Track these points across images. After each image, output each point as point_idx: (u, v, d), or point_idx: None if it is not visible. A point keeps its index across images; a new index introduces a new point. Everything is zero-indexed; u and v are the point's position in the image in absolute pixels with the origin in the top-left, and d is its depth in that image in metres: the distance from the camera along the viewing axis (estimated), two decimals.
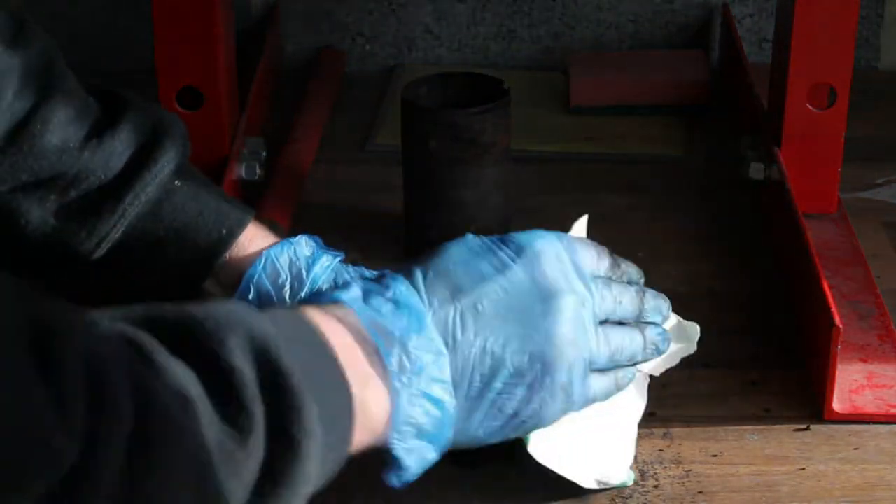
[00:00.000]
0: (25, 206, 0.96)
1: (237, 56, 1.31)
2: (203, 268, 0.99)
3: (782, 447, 1.00)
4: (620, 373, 0.91)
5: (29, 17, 0.99)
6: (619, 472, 0.95)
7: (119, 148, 0.98)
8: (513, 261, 0.87)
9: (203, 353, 0.70)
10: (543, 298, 0.86)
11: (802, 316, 1.10)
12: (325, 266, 0.99)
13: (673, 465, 0.98)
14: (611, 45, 1.58)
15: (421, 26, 1.59)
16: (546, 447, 0.93)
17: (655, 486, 0.96)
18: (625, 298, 0.91)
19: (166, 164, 0.99)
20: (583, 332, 0.87)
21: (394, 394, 0.80)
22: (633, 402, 0.97)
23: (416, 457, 0.82)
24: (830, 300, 1.02)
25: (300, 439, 0.72)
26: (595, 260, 0.91)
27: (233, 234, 1.00)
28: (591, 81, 1.48)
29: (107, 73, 1.09)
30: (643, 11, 1.57)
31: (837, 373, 1.01)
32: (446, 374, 0.83)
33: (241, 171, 1.26)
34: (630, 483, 0.96)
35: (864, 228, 1.25)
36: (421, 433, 0.82)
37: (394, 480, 0.83)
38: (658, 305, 0.94)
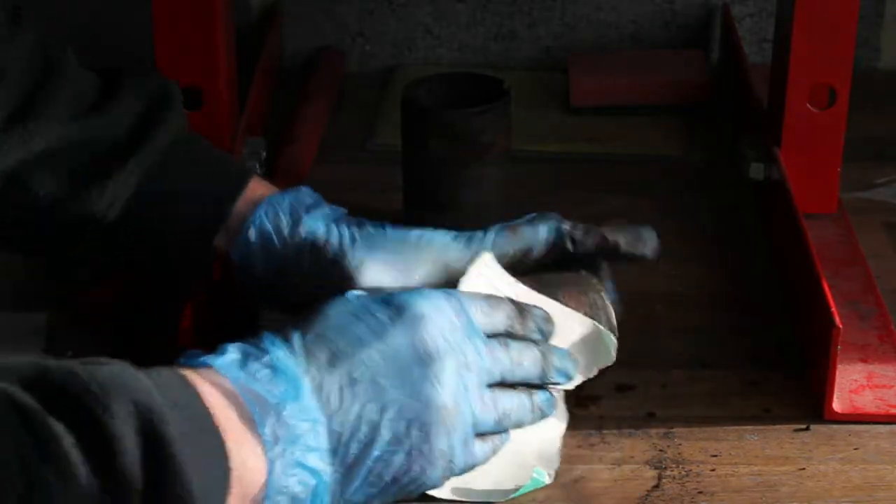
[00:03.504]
0: (37, 176, 0.99)
1: (237, 56, 1.31)
2: (214, 220, 1.01)
3: (782, 447, 1.00)
4: (498, 438, 0.90)
5: (21, 4, 1.02)
6: (523, 474, 0.93)
7: (124, 110, 1.01)
8: (392, 323, 0.85)
9: (86, 417, 0.69)
10: (422, 363, 0.85)
11: (802, 316, 1.10)
12: (325, 214, 1.01)
13: (673, 465, 0.98)
14: (611, 45, 1.58)
15: (421, 26, 1.59)
16: (446, 489, 0.90)
17: (655, 486, 0.96)
18: (525, 359, 0.90)
19: (170, 123, 1.02)
20: (464, 397, 0.86)
21: (270, 460, 0.79)
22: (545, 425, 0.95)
23: None
24: (830, 300, 1.02)
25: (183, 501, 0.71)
26: (490, 317, 0.90)
27: (241, 184, 1.02)
28: (591, 81, 1.48)
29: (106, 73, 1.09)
30: (643, 11, 1.57)
31: (837, 373, 1.01)
32: (322, 442, 0.82)
33: None
34: (543, 482, 0.94)
35: (864, 228, 1.25)
36: (309, 493, 0.81)
37: None
38: (564, 367, 0.93)
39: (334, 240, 1.00)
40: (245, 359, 0.82)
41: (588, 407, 1.03)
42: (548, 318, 0.94)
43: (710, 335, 1.12)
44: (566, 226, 1.03)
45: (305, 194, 1.02)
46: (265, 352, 0.83)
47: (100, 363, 0.73)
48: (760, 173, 1.25)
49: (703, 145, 1.42)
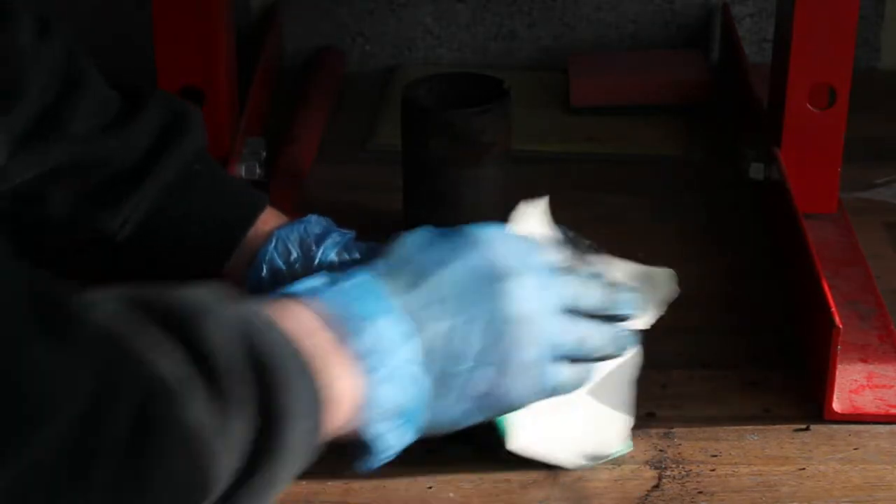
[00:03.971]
0: (52, 192, 1.00)
1: (237, 56, 1.31)
2: (225, 247, 1.02)
3: (782, 447, 1.00)
4: (581, 367, 0.91)
5: (52, 16, 1.02)
6: (612, 442, 0.96)
7: (141, 132, 1.02)
8: (469, 246, 0.88)
9: (188, 332, 0.71)
10: (499, 279, 0.87)
11: (802, 316, 1.10)
12: (336, 242, 1.01)
13: (673, 465, 0.98)
14: (611, 45, 1.58)
15: (421, 26, 1.59)
16: (525, 440, 0.93)
17: (655, 486, 0.96)
18: (591, 288, 0.92)
19: (187, 147, 1.02)
20: (543, 314, 0.88)
21: (367, 374, 0.81)
22: (620, 366, 0.97)
23: (392, 437, 0.83)
24: (830, 300, 1.02)
25: (284, 421, 0.73)
26: (553, 253, 0.92)
27: (254, 213, 1.02)
28: (591, 81, 1.49)
29: (107, 72, 1.09)
30: (643, 11, 1.57)
31: (837, 373, 1.01)
32: (416, 353, 0.84)
33: (241, 171, 1.26)
34: (627, 451, 0.97)
35: (864, 228, 1.25)
36: (396, 413, 0.83)
37: (364, 465, 0.84)
38: (630, 298, 0.94)
39: None
40: (333, 281, 0.84)
41: None
42: (602, 263, 0.97)
43: (710, 335, 1.12)
44: (571, 233, 1.04)
45: (314, 224, 1.02)
46: (352, 276, 0.85)
47: (194, 287, 0.75)
48: (760, 173, 1.25)
49: (703, 145, 1.42)
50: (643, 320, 0.97)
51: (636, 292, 0.95)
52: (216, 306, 0.73)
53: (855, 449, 0.99)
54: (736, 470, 0.97)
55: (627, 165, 1.38)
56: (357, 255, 1.02)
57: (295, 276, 1.01)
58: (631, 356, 0.97)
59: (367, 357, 0.81)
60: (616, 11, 1.58)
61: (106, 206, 1.00)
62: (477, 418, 0.88)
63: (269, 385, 0.73)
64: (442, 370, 0.85)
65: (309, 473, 0.78)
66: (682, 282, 1.17)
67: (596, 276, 0.94)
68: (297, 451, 0.74)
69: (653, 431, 1.01)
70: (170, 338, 0.70)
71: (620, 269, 0.99)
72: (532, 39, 1.59)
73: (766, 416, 1.03)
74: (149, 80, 1.23)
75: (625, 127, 1.45)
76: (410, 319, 0.84)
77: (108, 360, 0.66)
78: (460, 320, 0.86)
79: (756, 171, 1.25)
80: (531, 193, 1.30)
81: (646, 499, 0.95)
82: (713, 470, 0.97)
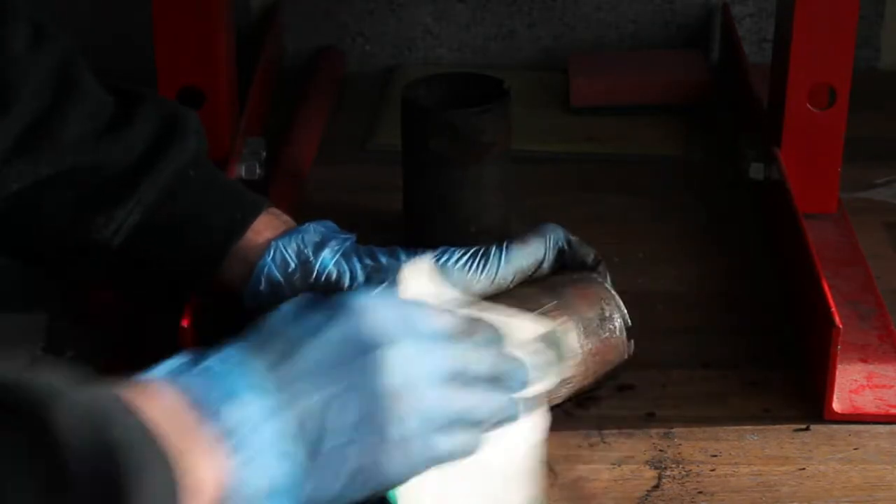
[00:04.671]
0: (45, 199, 0.99)
1: (237, 56, 1.31)
2: (217, 254, 1.01)
3: (782, 447, 1.00)
4: (468, 436, 0.85)
5: (49, 22, 1.02)
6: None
7: (135, 139, 1.01)
8: (344, 314, 0.83)
9: (35, 418, 0.67)
10: (375, 348, 0.82)
11: (802, 316, 1.10)
12: (334, 250, 1.00)
13: (673, 465, 0.98)
14: (611, 45, 1.58)
15: (421, 26, 1.59)
16: None
17: (655, 486, 0.96)
18: (480, 355, 0.86)
19: (181, 153, 1.02)
20: (423, 383, 0.83)
21: (231, 455, 0.76)
22: (523, 429, 0.91)
23: None
24: (830, 300, 1.02)
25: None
26: (437, 318, 0.87)
27: (246, 221, 1.02)
28: (591, 81, 1.48)
29: (107, 73, 1.09)
30: (643, 11, 1.57)
31: (837, 373, 1.01)
32: (287, 429, 0.79)
33: (241, 171, 1.26)
34: None
35: (864, 228, 1.25)
36: (268, 493, 0.78)
37: None
38: (522, 367, 0.88)
39: (346, 280, 1.01)
40: (196, 360, 0.80)
41: (588, 407, 1.03)
42: (496, 327, 0.90)
43: (710, 335, 1.12)
44: (572, 238, 1.04)
45: (312, 233, 1.02)
46: (210, 356, 0.80)
47: (44, 371, 0.71)
48: (760, 173, 1.25)
49: (703, 145, 1.42)
50: (541, 385, 0.91)
51: (522, 363, 0.89)
52: (69, 390, 0.69)
53: (855, 449, 0.99)
54: (736, 470, 0.97)
55: (627, 165, 1.38)
56: (356, 264, 1.01)
57: (294, 289, 1.00)
58: (533, 421, 0.91)
59: (231, 437, 0.76)
60: (616, 11, 1.58)
61: (99, 212, 1.00)
62: (361, 494, 0.83)
63: (121, 475, 0.68)
64: (316, 445, 0.80)
65: None
66: (682, 281, 1.17)
67: (491, 340, 0.89)
68: None
69: (653, 431, 1.01)
70: (14, 426, 0.66)
71: (522, 329, 0.93)
72: (532, 39, 1.59)
73: (766, 416, 1.03)
74: (149, 81, 1.23)
75: (625, 127, 1.45)
76: (279, 393, 0.79)
77: None
78: (333, 392, 0.81)
79: (756, 171, 1.25)
80: (531, 193, 1.30)
81: (646, 499, 0.95)
82: (713, 470, 0.97)
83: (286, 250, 1.01)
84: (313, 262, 1.01)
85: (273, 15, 1.56)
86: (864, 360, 1.07)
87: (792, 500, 0.95)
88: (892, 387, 1.04)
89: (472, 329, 0.87)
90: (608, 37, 1.58)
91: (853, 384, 1.04)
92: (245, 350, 0.81)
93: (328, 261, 1.01)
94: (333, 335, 0.82)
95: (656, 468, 0.97)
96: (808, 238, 1.10)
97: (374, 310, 0.83)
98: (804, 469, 0.97)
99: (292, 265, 1.00)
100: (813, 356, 1.05)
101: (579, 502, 0.94)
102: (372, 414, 0.81)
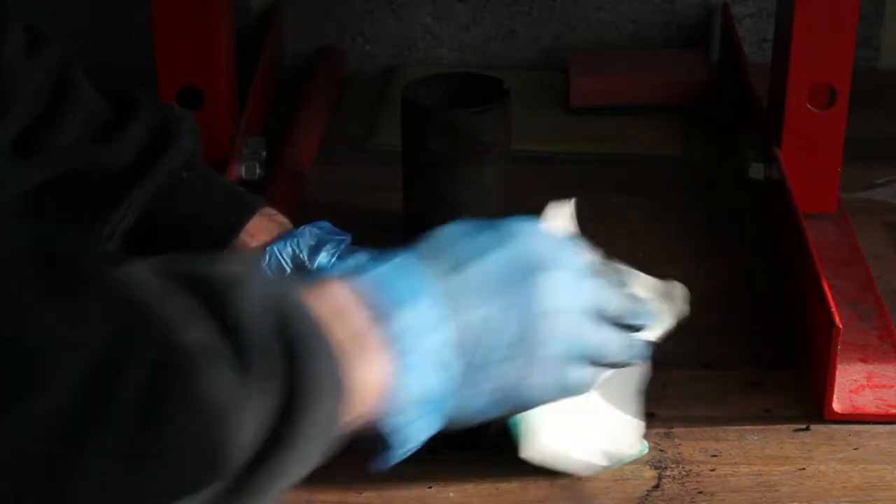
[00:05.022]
0: (39, 205, 0.99)
1: (237, 56, 1.31)
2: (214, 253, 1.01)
3: (782, 447, 1.00)
4: (595, 370, 0.91)
5: (44, 27, 1.02)
6: (628, 445, 0.96)
7: (128, 143, 1.01)
8: (509, 237, 0.88)
9: (218, 303, 0.69)
10: (538, 272, 0.87)
11: (802, 316, 1.10)
12: (330, 253, 1.01)
13: (673, 465, 0.98)
14: (611, 45, 1.59)
15: (421, 26, 1.59)
16: (541, 446, 0.93)
17: (655, 486, 0.96)
18: (615, 295, 0.92)
19: (174, 155, 1.02)
20: (573, 312, 0.88)
21: (398, 358, 0.79)
22: (630, 373, 0.97)
23: (417, 426, 0.82)
24: (830, 300, 1.02)
25: (308, 400, 0.71)
26: (587, 253, 0.92)
27: (240, 224, 1.02)
28: (591, 81, 1.49)
29: (107, 73, 1.09)
30: (643, 11, 1.57)
31: (837, 373, 1.01)
32: (448, 339, 0.83)
33: (241, 171, 1.26)
34: (644, 452, 0.97)
35: (864, 228, 1.25)
36: (424, 399, 0.82)
37: (384, 459, 0.82)
38: (648, 311, 0.94)
39: None
40: (376, 260, 0.83)
41: None
42: (624, 273, 0.97)
43: (710, 335, 1.12)
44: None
45: (308, 236, 1.02)
46: (388, 259, 0.84)
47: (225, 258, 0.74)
48: (760, 173, 1.25)
49: (703, 145, 1.42)
50: (654, 333, 0.96)
51: (652, 305, 0.95)
52: (249, 280, 0.72)
53: (855, 449, 0.99)
54: (736, 470, 0.97)
55: (627, 165, 1.38)
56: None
57: None
58: (641, 366, 0.97)
59: (400, 340, 0.80)
60: (616, 11, 1.58)
61: (93, 217, 1.00)
62: (495, 413, 0.87)
63: (294, 366, 0.71)
64: (473, 358, 0.84)
65: (311, 472, 0.78)
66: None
67: (620, 283, 0.94)
68: (316, 435, 0.73)
69: (653, 431, 1.01)
70: (199, 307, 0.68)
71: (640, 281, 0.99)
72: (532, 39, 1.59)
73: (766, 416, 1.03)
74: (149, 81, 1.23)
75: (625, 127, 1.45)
76: (447, 304, 0.83)
77: (124, 322, 0.64)
78: (496, 309, 0.85)
79: (756, 171, 1.25)
80: (531, 193, 1.30)
81: (646, 499, 0.95)
82: (713, 470, 0.97)
83: (281, 255, 1.01)
84: (309, 266, 1.01)
85: (273, 15, 1.56)
86: (864, 360, 1.07)
87: (792, 500, 0.95)
88: (892, 387, 1.04)
89: (606, 271, 0.93)
90: (608, 37, 1.58)
91: (853, 384, 1.04)
92: (416, 259, 0.85)
93: (324, 264, 1.01)
94: (500, 255, 0.87)
95: (656, 468, 0.97)
96: (808, 238, 1.10)
97: (536, 237, 0.89)
98: (804, 469, 0.97)
99: (288, 270, 1.00)
100: (813, 356, 1.05)
101: (579, 502, 0.94)
102: (525, 334, 0.86)
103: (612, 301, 0.91)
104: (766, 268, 1.20)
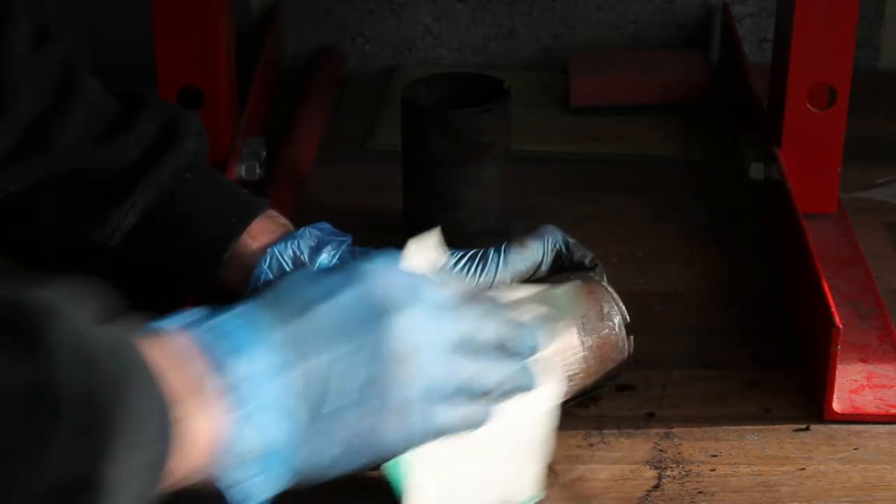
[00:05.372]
0: (42, 202, 1.00)
1: (237, 56, 1.31)
2: (213, 257, 1.01)
3: (782, 447, 1.00)
4: (473, 408, 0.85)
5: (52, 24, 1.03)
6: (519, 492, 0.92)
7: (132, 142, 1.02)
8: (356, 278, 0.84)
9: (21, 341, 0.66)
10: (385, 313, 0.82)
11: (802, 316, 1.10)
12: (331, 254, 1.01)
13: (673, 465, 0.98)
14: (611, 45, 1.59)
15: (421, 26, 1.59)
16: (422, 496, 0.89)
17: (655, 486, 0.96)
18: (487, 323, 0.86)
19: (178, 156, 1.02)
20: (429, 350, 0.83)
21: (232, 409, 0.76)
22: (534, 400, 0.92)
23: (259, 480, 0.78)
24: (830, 300, 1.02)
25: (115, 442, 0.67)
26: (440, 290, 0.86)
27: (241, 225, 1.02)
28: (591, 81, 1.49)
29: (107, 72, 1.09)
30: (643, 11, 1.58)
31: (837, 373, 1.01)
32: (293, 386, 0.79)
33: (241, 171, 1.26)
34: (536, 501, 0.92)
35: (864, 228, 1.25)
36: (266, 451, 0.78)
37: None
38: (530, 331, 0.88)
39: None
40: (210, 314, 0.80)
41: (588, 407, 1.03)
42: (496, 300, 0.92)
43: (710, 335, 1.12)
44: (571, 240, 1.04)
45: (308, 237, 1.02)
46: (219, 314, 0.80)
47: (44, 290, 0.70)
48: (760, 173, 1.25)
49: (703, 145, 1.42)
50: (552, 348, 0.93)
51: (538, 322, 0.90)
52: (74, 312, 0.69)
53: (855, 449, 0.99)
54: (736, 470, 0.97)
55: (627, 165, 1.38)
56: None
57: None
58: (543, 391, 0.92)
59: (237, 389, 0.76)
60: (616, 11, 1.58)
61: (97, 215, 1.00)
62: (354, 464, 0.82)
63: (109, 405, 0.67)
64: (318, 406, 0.80)
65: None
66: (682, 282, 1.17)
67: (495, 309, 0.89)
68: (133, 483, 0.69)
69: (653, 431, 1.01)
70: (8, 330, 0.66)
71: (517, 294, 0.95)
72: (532, 39, 1.59)
73: (766, 416, 1.03)
74: (149, 81, 1.23)
75: (625, 127, 1.45)
76: (288, 351, 0.79)
77: None
78: (342, 353, 0.80)
79: (756, 171, 1.25)
80: (531, 193, 1.30)
81: (646, 499, 0.95)
82: (713, 470, 0.97)
83: (282, 257, 1.01)
84: (310, 267, 1.01)
85: (273, 15, 1.56)
86: (864, 360, 1.07)
87: (792, 500, 0.95)
88: (892, 387, 1.04)
89: (474, 300, 0.88)
90: (608, 37, 1.58)
91: (853, 384, 1.04)
92: (258, 307, 0.81)
93: (325, 265, 1.01)
94: (347, 297, 0.82)
95: (656, 468, 0.97)
96: (808, 238, 1.10)
97: (387, 275, 0.84)
98: (804, 469, 0.97)
99: (288, 271, 1.00)
100: (813, 356, 1.05)
101: (579, 502, 0.94)
102: (377, 377, 0.81)
103: (482, 330, 0.86)
104: (766, 268, 1.20)
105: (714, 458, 0.98)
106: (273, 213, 1.05)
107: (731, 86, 1.47)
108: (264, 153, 1.29)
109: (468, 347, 0.85)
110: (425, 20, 1.58)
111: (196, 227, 1.02)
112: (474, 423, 0.85)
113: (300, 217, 1.22)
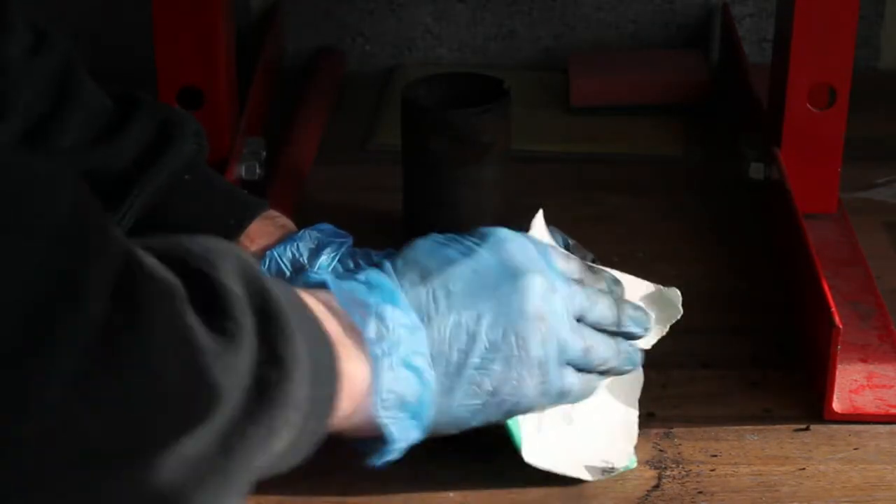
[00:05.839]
0: None
1: (237, 56, 1.31)
2: None
3: (782, 447, 1.00)
4: (588, 376, 0.90)
5: (51, 25, 1.02)
6: (622, 456, 0.96)
7: (129, 144, 1.02)
8: (479, 245, 0.88)
9: (193, 271, 0.68)
10: (512, 277, 0.87)
11: (802, 316, 1.10)
12: (330, 256, 1.01)
13: (673, 465, 0.98)
14: (611, 45, 1.59)
15: (421, 26, 1.59)
16: (539, 448, 0.93)
17: (655, 486, 0.96)
18: (599, 302, 0.91)
19: (175, 157, 1.02)
20: (553, 313, 0.87)
21: (374, 361, 0.80)
22: (628, 381, 0.97)
23: (398, 430, 0.82)
24: (830, 300, 1.02)
25: (289, 362, 0.69)
26: (565, 261, 0.92)
27: (240, 227, 1.02)
28: (591, 81, 1.49)
29: (107, 73, 1.09)
30: (643, 11, 1.57)
31: (837, 373, 1.01)
32: (424, 346, 0.83)
33: (241, 171, 1.26)
34: (633, 466, 0.96)
35: (864, 228, 1.25)
36: (403, 405, 0.82)
37: (376, 458, 0.83)
38: (638, 317, 0.94)
39: None
40: (340, 278, 0.84)
41: None
42: (615, 278, 0.96)
43: (710, 335, 1.12)
44: (570, 241, 1.04)
45: (308, 239, 1.02)
46: (359, 273, 0.85)
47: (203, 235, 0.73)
48: (760, 173, 1.25)
49: (703, 145, 1.42)
50: (647, 340, 0.96)
51: (644, 312, 0.95)
52: (228, 251, 0.71)
53: (855, 449, 0.99)
54: (736, 470, 0.97)
55: (627, 165, 1.38)
56: (351, 267, 1.01)
57: None
58: (635, 374, 0.97)
59: (375, 343, 0.81)
60: (616, 11, 1.58)
61: None
62: (484, 419, 0.88)
63: (279, 328, 0.69)
64: (449, 364, 0.85)
65: (310, 466, 0.78)
66: (682, 282, 1.17)
67: (606, 290, 0.94)
68: (304, 410, 0.71)
69: (653, 431, 1.01)
70: (174, 271, 0.67)
71: (630, 286, 0.98)
72: (532, 39, 1.59)
73: (766, 416, 1.03)
74: (149, 81, 1.23)
75: (625, 127, 1.45)
76: (428, 309, 0.84)
77: (86, 236, 0.62)
78: (468, 315, 0.85)
79: (756, 171, 1.25)
80: (531, 193, 1.30)
81: (646, 499, 0.95)
82: (713, 470, 0.97)
83: (281, 259, 1.01)
84: (310, 272, 1.00)
85: (273, 15, 1.56)
86: (864, 360, 1.07)
87: (792, 500, 0.95)
88: (892, 387, 1.04)
89: (595, 277, 0.93)
90: (608, 37, 1.58)
91: (853, 384, 1.04)
92: (398, 270, 0.86)
93: (324, 267, 1.01)
94: (485, 257, 0.88)
95: (656, 468, 0.97)
96: (808, 238, 1.10)
97: (514, 242, 0.89)
98: (804, 469, 0.97)
99: (287, 275, 1.00)
100: (813, 356, 1.05)
101: (579, 502, 0.94)
102: (520, 332, 0.86)
103: (596, 308, 0.91)
104: (766, 268, 1.20)
105: (714, 458, 0.98)
106: (273, 213, 1.04)
107: (731, 86, 1.47)
108: (264, 153, 1.29)
109: (588, 318, 0.90)
110: (425, 20, 1.58)
111: (193, 230, 1.02)
112: (588, 392, 0.91)
113: (300, 217, 1.22)
